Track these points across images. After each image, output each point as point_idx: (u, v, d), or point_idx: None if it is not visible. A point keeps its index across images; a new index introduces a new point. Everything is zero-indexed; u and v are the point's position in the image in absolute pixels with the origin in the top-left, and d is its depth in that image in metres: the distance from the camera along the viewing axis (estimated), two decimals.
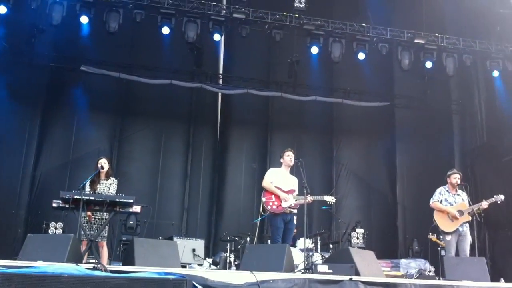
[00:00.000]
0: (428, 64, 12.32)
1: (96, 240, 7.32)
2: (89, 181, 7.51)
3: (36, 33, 11.50)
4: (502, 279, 7.32)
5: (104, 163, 7.70)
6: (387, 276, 7.41)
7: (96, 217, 7.43)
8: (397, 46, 12.12)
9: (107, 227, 7.61)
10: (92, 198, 6.84)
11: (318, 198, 7.89)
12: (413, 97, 14.13)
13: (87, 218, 7.40)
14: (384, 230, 13.56)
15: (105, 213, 7.18)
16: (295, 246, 9.44)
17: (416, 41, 11.96)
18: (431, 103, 13.86)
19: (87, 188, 7.47)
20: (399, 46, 12.09)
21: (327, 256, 8.87)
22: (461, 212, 8.01)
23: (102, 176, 7.75)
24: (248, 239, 10.09)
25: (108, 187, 7.71)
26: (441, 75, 12.87)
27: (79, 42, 11.91)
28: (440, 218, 8.18)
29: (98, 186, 7.61)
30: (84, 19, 10.84)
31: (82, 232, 7.16)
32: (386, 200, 13.97)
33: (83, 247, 6.87)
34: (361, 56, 12.10)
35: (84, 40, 11.84)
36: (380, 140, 14.25)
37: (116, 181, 7.88)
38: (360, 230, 11.82)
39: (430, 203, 8.33)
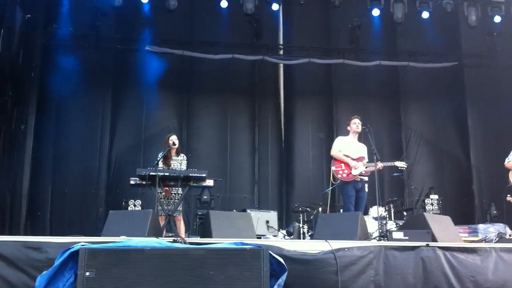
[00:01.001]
0: (497, 19, 11.80)
1: (174, 215, 7.56)
2: (162, 158, 7.74)
3: (100, 16, 11.74)
4: None
5: (175, 139, 7.94)
6: (465, 241, 7.24)
7: (173, 192, 7.67)
8: (462, 1, 11.60)
9: (183, 202, 7.85)
10: (167, 174, 7.07)
11: (389, 164, 7.78)
12: (482, 55, 13.48)
13: (164, 193, 7.65)
14: (459, 195, 13.17)
15: (180, 189, 7.40)
16: (368, 214, 9.37)
17: None
18: (502, 60, 13.18)
19: (161, 165, 7.70)
20: (465, 1, 11.58)
21: (401, 224, 8.76)
22: None
23: (173, 152, 7.97)
24: (320, 209, 10.09)
25: (180, 163, 7.94)
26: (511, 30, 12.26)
27: (141, 22, 12.15)
28: None
29: (171, 162, 7.84)
30: None
31: (160, 208, 7.41)
32: (459, 164, 13.51)
33: (161, 222, 7.12)
34: (425, 15, 11.70)
35: (145, 20, 12.07)
36: (450, 102, 13.72)
37: (185, 157, 8.10)
38: (434, 196, 11.53)
39: (505, 163, 8.04)
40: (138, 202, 11.08)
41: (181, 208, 7.88)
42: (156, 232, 5.81)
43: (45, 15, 12.09)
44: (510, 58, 13.12)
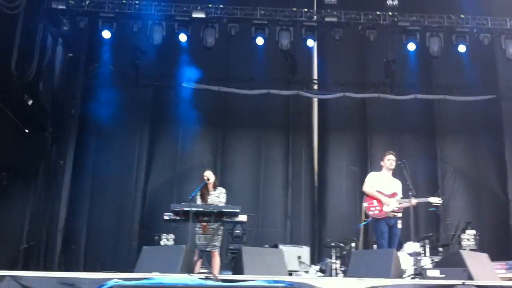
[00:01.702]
0: None
1: (208, 250, 7.62)
2: (199, 194, 7.84)
3: (139, 55, 12.07)
4: None
5: (209, 174, 8.02)
6: (502, 279, 7.05)
7: (210, 227, 7.71)
8: (499, 35, 11.55)
9: (220, 237, 7.89)
10: (201, 209, 7.15)
11: (423, 200, 7.68)
12: None
13: (202, 228, 7.72)
14: (496, 230, 12.79)
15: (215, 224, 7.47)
16: (402, 250, 9.21)
17: None
18: None
19: (199, 201, 7.80)
20: (502, 34, 11.52)
21: (436, 260, 8.58)
22: None
23: (210, 187, 8.05)
24: (353, 244, 9.98)
25: (218, 196, 8.01)
26: None
27: (179, 59, 12.44)
28: None
29: (208, 197, 7.93)
30: (182, 37, 11.47)
31: (198, 242, 7.48)
32: (497, 198, 13.16)
33: (196, 257, 7.17)
34: (462, 48, 11.65)
35: (183, 58, 12.38)
36: (487, 136, 13.49)
37: (224, 190, 8.17)
38: (471, 231, 11.24)
39: None
40: (171, 236, 11.11)
41: (218, 244, 7.91)
42: (189, 268, 5.86)
43: (87, 54, 12.59)
44: None
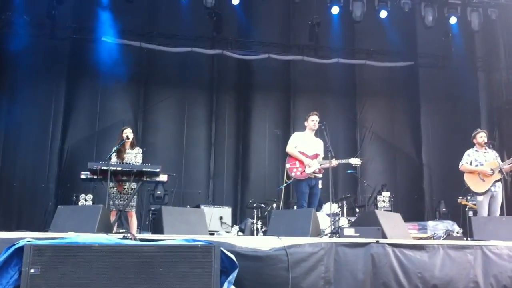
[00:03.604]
0: (453, 20, 12.09)
1: (126, 210, 7.45)
2: (115, 151, 7.59)
3: (56, 5, 11.44)
4: None
5: (129, 133, 7.76)
6: (414, 238, 7.39)
7: (126, 187, 7.53)
8: (420, 2, 11.84)
9: (136, 197, 7.72)
10: (119, 168, 6.94)
11: (343, 161, 7.85)
12: (437, 55, 13.81)
13: (117, 188, 7.51)
14: (410, 192, 13.47)
15: (134, 183, 7.28)
16: (321, 211, 9.46)
17: None
18: (456, 61, 13.53)
19: (114, 159, 7.54)
20: (422, 2, 11.81)
21: (353, 220, 8.88)
22: (492, 171, 7.89)
23: (128, 146, 7.81)
24: (274, 205, 10.13)
25: (135, 156, 7.79)
26: (466, 31, 12.57)
27: (98, 12, 11.91)
28: (471, 180, 8.09)
29: (125, 156, 7.69)
30: None
31: (111, 203, 7.28)
32: (411, 162, 13.82)
33: (112, 218, 6.99)
34: (383, 14, 11.88)
35: (103, 10, 11.87)
36: (405, 101, 14.05)
37: (141, 150, 7.96)
38: (386, 193, 11.75)
39: (459, 166, 8.24)
40: (90, 197, 10.83)
41: (134, 203, 7.74)
42: (106, 228, 5.70)
43: None
44: (464, 59, 13.49)
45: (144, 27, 12.79)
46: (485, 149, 8.21)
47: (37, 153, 11.89)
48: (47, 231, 5.36)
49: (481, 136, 8.21)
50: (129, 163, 7.45)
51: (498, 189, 7.94)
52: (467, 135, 8.56)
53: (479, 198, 7.97)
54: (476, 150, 8.21)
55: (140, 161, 7.79)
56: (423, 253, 5.64)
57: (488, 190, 7.92)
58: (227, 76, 13.68)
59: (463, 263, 5.71)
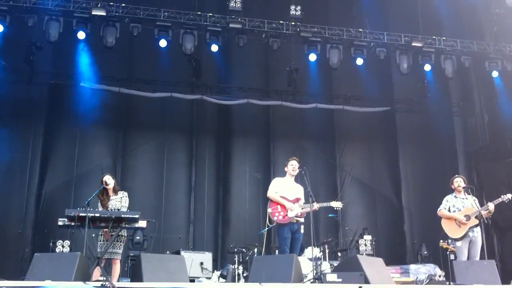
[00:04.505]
0: (427, 67, 12.40)
1: (110, 257, 7.31)
2: (99, 201, 7.49)
3: (34, 51, 11.47)
4: None
5: (108, 179, 7.63)
6: (397, 282, 7.35)
7: (113, 234, 7.34)
8: (395, 50, 12.17)
9: (122, 244, 7.57)
10: (97, 214, 6.78)
11: (325, 204, 7.80)
12: (413, 101, 14.12)
13: (104, 235, 7.37)
14: (391, 236, 13.49)
15: (123, 230, 7.15)
16: (303, 255, 9.36)
17: (414, 44, 12.01)
18: (432, 106, 13.84)
19: (100, 208, 7.43)
20: (397, 50, 12.14)
21: (335, 265, 8.80)
22: (468, 217, 7.93)
23: (110, 192, 7.68)
24: (255, 250, 10.01)
25: (119, 201, 7.65)
26: (441, 78, 12.91)
27: (77, 58, 11.97)
28: (447, 225, 8.13)
29: (109, 203, 7.56)
30: (81, 35, 10.94)
31: (99, 250, 7.12)
32: (392, 205, 13.89)
33: (102, 265, 6.84)
34: (359, 61, 12.11)
35: (82, 56, 11.93)
36: (383, 145, 14.23)
37: (126, 193, 7.82)
38: (367, 237, 11.73)
39: (438, 211, 8.29)
40: (67, 243, 10.58)
41: (119, 251, 7.56)
42: (84, 276, 5.55)
43: None
44: (439, 104, 13.80)
45: (123, 72, 12.88)
46: (464, 194, 8.28)
47: (14, 198, 11.68)
48: (24, 279, 5.24)
49: (457, 181, 8.28)
50: (114, 210, 7.33)
51: (477, 234, 7.95)
52: (445, 179, 8.63)
53: (458, 243, 7.98)
54: (455, 196, 8.27)
55: (126, 205, 7.65)
56: None
57: (466, 235, 7.94)
58: (206, 121, 13.72)
59: None
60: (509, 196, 7.90)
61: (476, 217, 7.88)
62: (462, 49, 12.16)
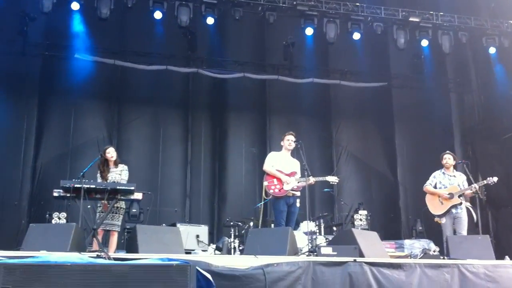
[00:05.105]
0: (424, 43, 12.28)
1: (108, 229, 7.43)
2: (98, 171, 7.51)
3: (28, 22, 11.27)
4: (507, 257, 7.29)
5: (112, 151, 7.76)
6: (391, 256, 7.41)
7: (110, 205, 7.36)
8: (392, 25, 12.02)
9: (121, 216, 7.61)
10: (93, 186, 6.79)
11: (321, 179, 7.83)
12: (410, 76, 14.05)
13: (102, 207, 7.40)
14: (386, 211, 13.57)
15: (121, 202, 7.18)
16: (299, 229, 9.41)
17: (411, 19, 11.87)
18: (428, 82, 13.79)
19: (99, 179, 7.44)
20: (394, 25, 11.99)
21: (330, 239, 8.85)
22: (451, 195, 8.00)
23: (111, 164, 7.76)
24: (251, 223, 10.05)
25: (119, 174, 7.72)
26: (437, 54, 12.83)
27: (71, 29, 11.75)
28: (430, 201, 8.25)
29: (109, 175, 7.60)
30: (75, 6, 10.72)
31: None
32: (387, 181, 13.95)
33: (100, 236, 6.88)
34: (356, 36, 11.99)
35: (76, 27, 11.72)
36: (379, 121, 14.21)
37: (126, 167, 7.90)
38: (363, 212, 11.78)
39: (423, 187, 8.35)
40: (63, 215, 10.52)
41: (117, 223, 7.63)
42: (79, 247, 5.56)
43: None
44: (436, 80, 13.76)
45: (118, 44, 12.70)
46: (453, 171, 8.31)
47: (9, 171, 11.61)
48: (19, 250, 5.26)
49: (445, 158, 8.32)
50: (114, 181, 7.36)
51: (461, 211, 8.01)
52: (440, 154, 8.64)
53: (442, 220, 8.07)
54: (443, 172, 8.31)
55: (126, 178, 7.77)
56: (400, 272, 5.65)
57: (448, 212, 8.00)
58: (202, 95, 13.63)
59: (440, 282, 5.73)
60: (495, 179, 7.98)
61: (459, 196, 7.96)
62: (460, 25, 12.05)
